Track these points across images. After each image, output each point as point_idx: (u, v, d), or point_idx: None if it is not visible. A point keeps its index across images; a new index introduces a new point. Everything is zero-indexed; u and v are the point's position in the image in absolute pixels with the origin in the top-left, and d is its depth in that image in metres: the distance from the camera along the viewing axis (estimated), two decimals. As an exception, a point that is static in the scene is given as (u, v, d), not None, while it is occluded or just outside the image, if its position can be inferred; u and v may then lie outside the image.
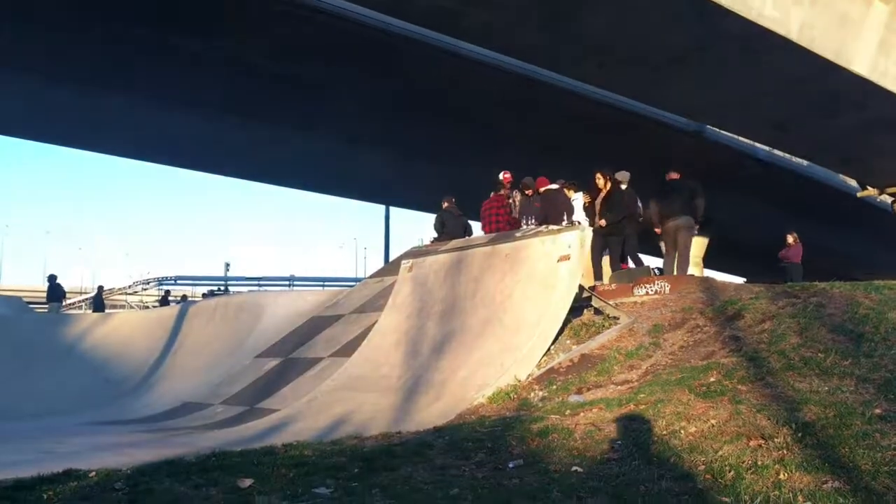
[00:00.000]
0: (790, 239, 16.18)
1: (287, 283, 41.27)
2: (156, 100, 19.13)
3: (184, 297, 29.79)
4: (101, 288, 27.86)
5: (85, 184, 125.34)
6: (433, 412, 6.94)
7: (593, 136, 20.59)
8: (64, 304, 25.37)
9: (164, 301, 28.69)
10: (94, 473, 4.77)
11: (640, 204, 12.12)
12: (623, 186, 12.05)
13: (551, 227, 9.35)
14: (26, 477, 4.62)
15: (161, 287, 36.83)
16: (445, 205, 13.22)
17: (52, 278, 22.82)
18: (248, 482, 4.50)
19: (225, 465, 5.00)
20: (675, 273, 10.42)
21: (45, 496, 4.26)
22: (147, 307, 31.24)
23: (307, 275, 47.07)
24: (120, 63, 17.20)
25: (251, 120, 20.35)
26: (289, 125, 20.61)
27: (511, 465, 4.81)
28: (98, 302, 25.92)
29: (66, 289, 24.38)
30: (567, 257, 8.06)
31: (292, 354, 10.46)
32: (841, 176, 25.41)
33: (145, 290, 42.33)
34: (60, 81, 18.09)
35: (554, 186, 11.42)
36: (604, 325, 8.43)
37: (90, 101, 19.24)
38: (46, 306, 23.20)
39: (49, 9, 14.94)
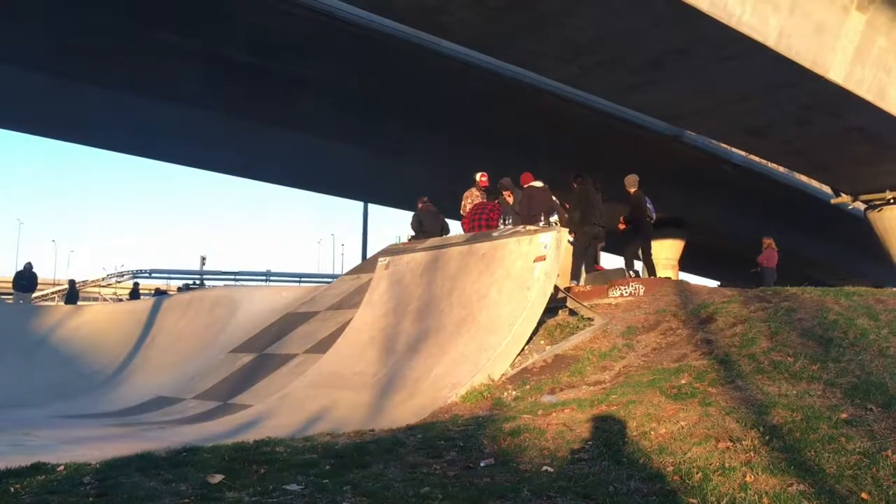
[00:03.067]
0: (765, 243, 16.36)
1: (263, 278, 41.07)
2: (133, 92, 18.94)
3: (158, 291, 29.49)
4: (72, 281, 27.51)
5: (60, 174, 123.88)
6: (407, 410, 6.95)
7: (572, 137, 20.69)
8: (33, 295, 24.49)
9: (133, 294, 28.40)
10: (62, 467, 4.72)
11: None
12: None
13: (528, 227, 9.38)
14: (-6, 470, 4.57)
15: (135, 279, 36.48)
16: (421, 204, 13.24)
17: (27, 266, 21.94)
18: (218, 478, 4.48)
19: (195, 460, 4.97)
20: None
21: (11, 489, 4.21)
22: (121, 300, 30.96)
23: (284, 270, 46.76)
24: (98, 54, 17.00)
25: (228, 114, 20.21)
26: (266, 120, 20.48)
27: (482, 464, 4.83)
28: (71, 295, 25.59)
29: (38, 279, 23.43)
30: (543, 258, 8.09)
31: (267, 350, 10.42)
32: (815, 182, 25.73)
33: (119, 282, 41.95)
34: (38, 70, 17.86)
35: (538, 184, 11.45)
36: (578, 326, 8.48)
37: (68, 92, 19.00)
38: (12, 296, 22.61)
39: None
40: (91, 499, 4.02)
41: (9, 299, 23.45)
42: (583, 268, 11.24)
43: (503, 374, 7.41)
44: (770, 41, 13.71)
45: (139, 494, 4.12)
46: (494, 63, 17.87)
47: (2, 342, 13.56)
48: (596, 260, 11.76)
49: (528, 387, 7.12)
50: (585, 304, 9.02)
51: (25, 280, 21.81)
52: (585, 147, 20.77)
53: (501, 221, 11.15)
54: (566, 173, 12.03)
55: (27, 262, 22.14)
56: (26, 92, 19.02)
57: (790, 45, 14.01)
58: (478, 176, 12.87)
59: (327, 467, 4.79)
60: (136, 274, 40.55)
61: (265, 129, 21.21)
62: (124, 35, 16.30)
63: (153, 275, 41.37)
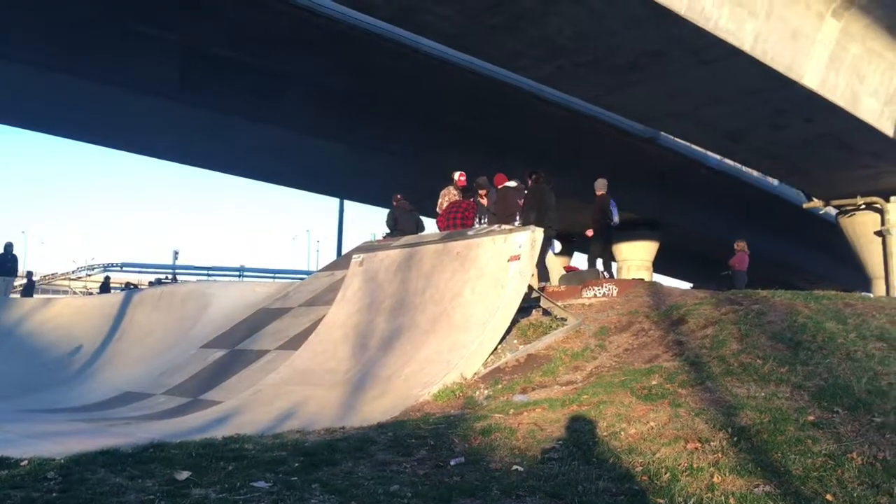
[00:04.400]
0: (737, 246, 16.50)
1: (237, 273, 40.75)
2: (108, 84, 18.69)
3: (129, 285, 29.14)
4: (30, 273, 26.85)
5: (29, 164, 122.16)
6: (378, 408, 6.92)
7: (549, 137, 20.76)
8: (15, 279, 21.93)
9: (104, 288, 27.95)
10: (26, 462, 4.65)
11: (613, 210, 12.27)
12: (600, 193, 12.24)
13: (503, 226, 9.39)
14: (-47, 464, 4.49)
15: (107, 272, 36.06)
16: (396, 202, 13.21)
17: (8, 247, 19.73)
18: (185, 474, 4.43)
19: (162, 456, 4.92)
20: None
21: (-27, 483, 4.14)
22: (91, 293, 30.54)
23: (258, 266, 46.49)
24: (74, 45, 16.76)
25: (204, 106, 20.00)
26: (243, 114, 20.31)
27: (453, 463, 4.82)
28: (28, 289, 24.91)
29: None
30: (517, 257, 8.11)
31: (239, 346, 10.34)
32: (788, 187, 26.03)
33: (90, 275, 41.39)
34: (11, 61, 17.55)
35: (511, 184, 11.46)
36: (551, 326, 8.51)
37: (43, 82, 18.71)
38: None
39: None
40: (55, 494, 3.96)
41: (55, 282, 22.29)
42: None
43: (476, 373, 7.41)
44: (746, 46, 13.83)
45: (104, 490, 4.07)
46: (472, 61, 17.88)
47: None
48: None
49: (500, 386, 7.13)
50: (559, 304, 9.05)
51: (10, 262, 19.83)
52: (561, 147, 20.86)
53: (477, 220, 11.16)
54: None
55: (7, 242, 19.91)
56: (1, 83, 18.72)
57: (766, 50, 14.14)
58: (456, 175, 12.87)
59: (296, 465, 4.76)
60: (107, 267, 40.05)
61: (241, 123, 21.01)
62: (102, 27, 16.08)
63: (125, 268, 40.87)
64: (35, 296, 23.39)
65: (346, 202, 31.94)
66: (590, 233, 12.41)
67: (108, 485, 4.21)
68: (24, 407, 9.81)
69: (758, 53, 14.05)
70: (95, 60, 17.33)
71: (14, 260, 20.07)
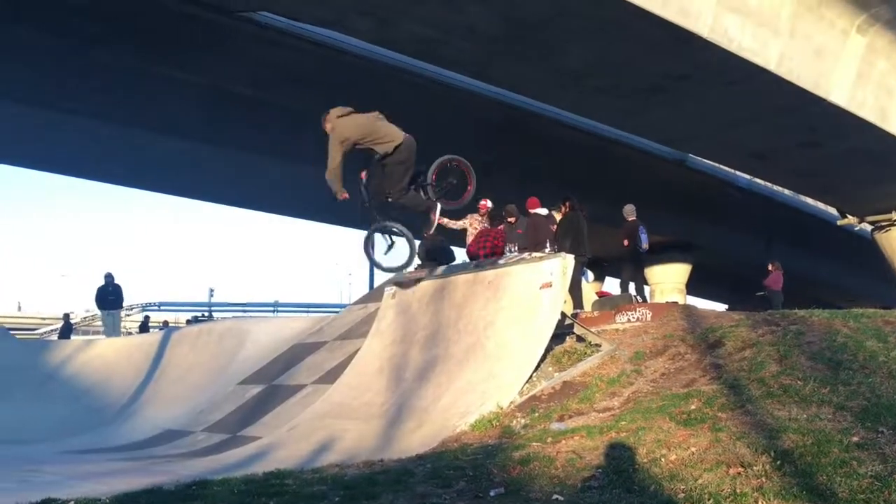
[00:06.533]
0: (771, 266, 16.35)
1: (272, 309, 41.06)
2: (134, 126, 19.10)
3: (166, 323, 29.51)
4: (67, 315, 27.20)
5: (67, 207, 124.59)
6: (415, 439, 6.93)
7: (575, 162, 20.77)
8: (122, 312, 20.89)
9: (143, 327, 28.29)
10: (72, 503, 4.74)
11: (642, 236, 12.29)
12: (630, 219, 12.28)
13: (534, 254, 9.41)
14: (2, 507, 4.59)
15: (145, 312, 36.56)
16: (427, 234, 13.27)
17: (108, 278, 18.45)
18: (227, 512, 4.49)
19: (205, 494, 4.99)
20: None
21: (22, 526, 4.23)
22: (130, 333, 30.96)
23: (292, 301, 46.81)
24: (97, 88, 17.17)
25: (230, 146, 20.37)
26: (268, 151, 20.64)
27: (492, 493, 4.82)
28: (66, 330, 25.14)
29: (42, 315, 20.96)
30: (549, 284, 8.11)
31: (275, 381, 10.42)
32: (821, 204, 25.73)
33: (128, 315, 41.99)
34: (33, 105, 18.03)
35: (542, 211, 11.50)
36: (585, 353, 8.47)
37: (72, 126, 19.21)
38: (100, 314, 19.71)
39: (26, 31, 14.92)
40: (102, 534, 4.03)
41: (96, 322, 21.94)
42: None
43: (512, 402, 7.39)
44: (771, 65, 13.81)
45: (149, 529, 4.13)
46: (497, 91, 18.01)
47: (10, 378, 13.54)
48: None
49: (536, 414, 7.10)
50: (593, 330, 9.01)
51: (112, 295, 18.47)
52: (588, 172, 20.84)
53: (507, 249, 11.20)
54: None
55: (107, 273, 18.54)
56: (23, 128, 19.20)
57: (791, 69, 14.11)
58: (480, 202, 12.95)
59: (336, 499, 4.79)
60: (145, 307, 40.63)
61: (267, 161, 21.37)
62: (124, 70, 16.45)
63: (162, 307, 41.44)
64: (73, 337, 23.71)
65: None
66: (626, 243, 12.41)
67: (152, 523, 4.28)
68: (68, 448, 9.95)
69: (783, 72, 14.02)
70: (124, 104, 17.77)
71: (117, 292, 18.65)
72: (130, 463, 8.11)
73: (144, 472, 6.93)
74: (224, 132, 19.36)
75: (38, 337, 31.92)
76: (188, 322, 29.40)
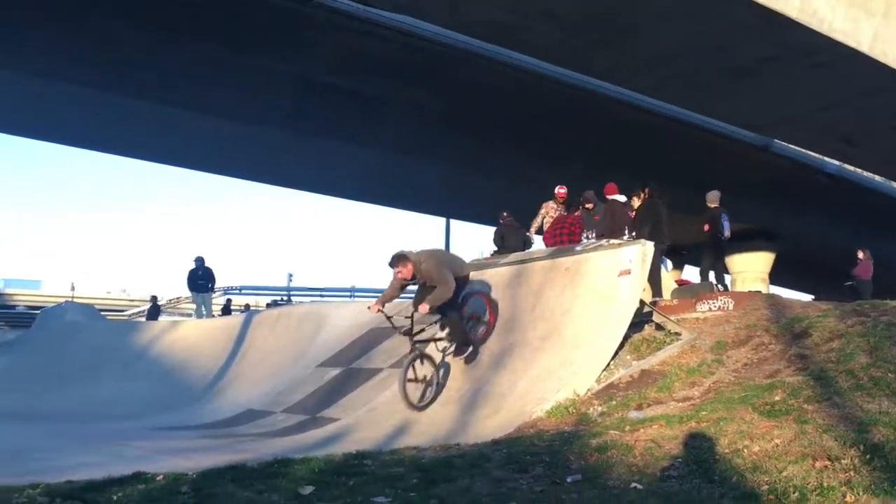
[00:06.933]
0: (860, 255, 15.71)
1: (348, 293, 41.62)
2: (216, 114, 19.61)
3: (247, 307, 30.27)
4: (154, 297, 28.21)
5: (147, 193, 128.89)
6: (491, 425, 6.95)
7: (654, 148, 20.36)
8: (213, 294, 20.57)
9: (225, 310, 29.08)
10: (161, 477, 4.92)
11: (725, 224, 11.94)
12: (713, 206, 11.97)
13: (612, 241, 9.28)
14: (97, 478, 4.80)
15: (227, 295, 37.54)
16: (502, 219, 13.25)
17: (199, 261, 18.33)
18: (308, 489, 4.59)
19: (286, 472, 5.11)
20: None
21: (114, 497, 4.41)
22: (214, 316, 31.85)
23: (368, 286, 47.28)
24: (183, 78, 17.69)
25: (308, 132, 20.71)
26: (346, 138, 20.91)
27: (569, 480, 4.80)
28: (154, 312, 26.08)
29: (130, 297, 21.04)
30: (628, 272, 7.99)
31: (353, 364, 10.58)
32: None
33: (212, 298, 43.08)
34: (141, 99, 18.70)
35: (621, 198, 11.33)
36: (665, 341, 8.33)
37: (172, 119, 19.89)
38: (190, 296, 19.38)
39: (113, 22, 15.45)
40: (190, 507, 4.18)
41: (187, 306, 21.90)
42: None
43: (589, 390, 7.33)
44: (863, 46, 13.24)
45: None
46: (570, 75, 17.79)
47: (102, 357, 14.20)
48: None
49: (614, 402, 7.03)
50: (672, 318, 8.85)
51: (202, 279, 18.33)
52: (668, 158, 20.40)
53: (584, 236, 11.08)
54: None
55: (198, 256, 18.49)
56: (130, 119, 19.94)
57: (885, 51, 13.50)
58: (556, 189, 12.83)
59: (414, 481, 4.84)
60: (227, 290, 41.77)
61: (345, 147, 21.66)
62: (207, 60, 16.90)
63: (243, 291, 42.46)
64: (160, 318, 24.58)
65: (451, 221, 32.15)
66: (707, 228, 12.07)
67: (236, 499, 4.41)
68: (155, 425, 10.33)
69: (876, 53, 13.43)
70: (201, 91, 18.24)
71: (207, 275, 18.46)
72: (214, 440, 8.38)
73: (228, 450, 7.15)
74: (300, 118, 19.69)
75: (126, 318, 33.19)
76: (268, 306, 30.09)
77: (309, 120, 19.74)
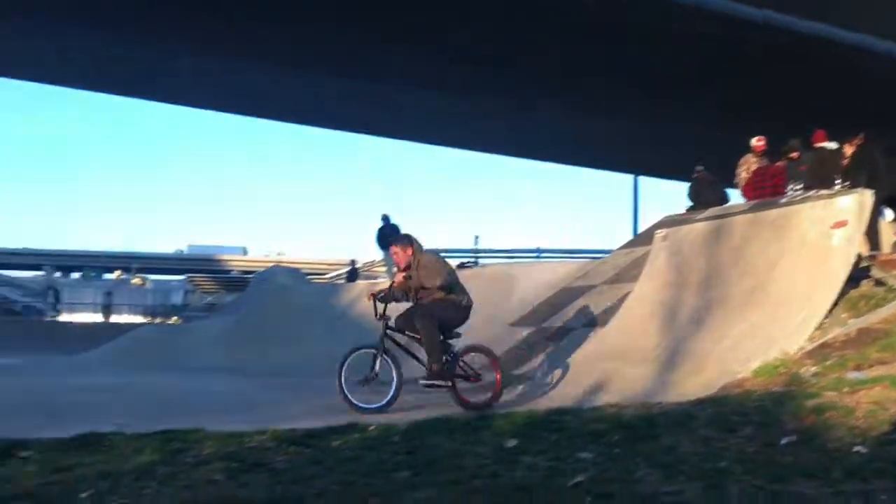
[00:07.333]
0: None
1: (535, 255, 41.69)
2: (393, 80, 20.23)
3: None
4: (353, 261, 29.72)
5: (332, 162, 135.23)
6: (693, 384, 6.73)
7: (869, 92, 18.51)
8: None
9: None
10: (373, 427, 5.21)
11: None
12: None
13: (821, 191, 8.64)
14: (317, 427, 5.16)
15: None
16: (697, 173, 12.70)
17: (385, 219, 18.36)
18: (513, 443, 4.68)
19: (489, 426, 5.25)
20: None
21: (333, 444, 4.73)
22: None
23: (554, 247, 46.93)
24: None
25: (500, 94, 20.84)
26: (533, 97, 20.83)
27: (784, 441, 4.56)
28: (352, 275, 27.55)
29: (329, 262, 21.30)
30: (843, 223, 7.41)
31: (545, 324, 10.63)
32: None
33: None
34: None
35: (831, 145, 10.49)
36: (886, 298, 7.67)
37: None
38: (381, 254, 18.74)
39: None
40: (402, 456, 4.38)
41: (375, 268, 22.20)
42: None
43: (800, 349, 6.91)
44: None
45: (442, 454, 4.43)
46: (770, 15, 16.48)
47: (309, 317, 15.19)
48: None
49: (829, 362, 6.57)
50: (894, 272, 8.12)
51: (390, 235, 17.30)
52: (884, 103, 18.50)
53: (789, 187, 10.40)
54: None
55: (384, 214, 18.44)
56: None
57: None
58: (753, 141, 12.10)
59: (616, 437, 4.80)
60: (413, 254, 43.06)
61: (532, 105, 21.60)
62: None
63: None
64: (358, 280, 25.91)
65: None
66: None
67: (445, 449, 4.58)
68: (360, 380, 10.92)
69: None
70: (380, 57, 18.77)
71: (395, 231, 17.25)
72: (416, 396, 8.72)
73: (432, 404, 7.43)
74: (500, 80, 19.83)
75: (327, 281, 35.21)
76: (457, 268, 30.77)
77: (506, 80, 19.85)
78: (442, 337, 7.38)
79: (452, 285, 7.50)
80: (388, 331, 7.33)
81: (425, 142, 29.76)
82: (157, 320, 31.96)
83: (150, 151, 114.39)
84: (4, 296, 38.93)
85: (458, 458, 4.29)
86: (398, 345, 7.39)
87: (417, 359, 7.42)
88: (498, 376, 7.65)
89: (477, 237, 46.81)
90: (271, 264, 32.08)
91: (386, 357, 7.16)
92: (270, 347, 14.06)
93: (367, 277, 27.38)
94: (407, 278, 7.48)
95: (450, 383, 7.28)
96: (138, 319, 32.02)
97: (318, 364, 12.77)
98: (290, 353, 13.67)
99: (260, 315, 15.95)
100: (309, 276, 27.10)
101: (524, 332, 10.86)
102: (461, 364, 7.51)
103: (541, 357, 9.49)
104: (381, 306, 7.48)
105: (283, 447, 4.48)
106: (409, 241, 7.52)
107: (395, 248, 7.57)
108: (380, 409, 6.86)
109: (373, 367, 7.13)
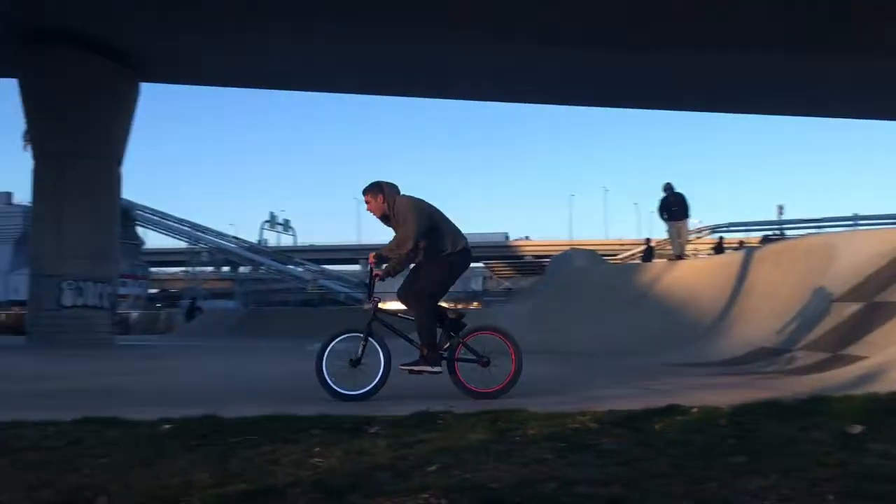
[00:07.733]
0: None
1: (850, 223, 37.83)
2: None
3: (741, 244, 29.48)
4: (648, 240, 29.03)
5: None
6: None
7: None
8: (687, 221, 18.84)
9: (718, 249, 28.73)
10: (696, 409, 5.01)
11: None
12: None
13: None
14: (636, 409, 5.09)
15: (715, 235, 37.09)
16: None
17: (668, 188, 17.65)
18: (858, 429, 4.26)
19: (825, 409, 4.82)
20: None
21: (656, 426, 4.62)
22: (699, 256, 31.80)
23: (873, 213, 42.02)
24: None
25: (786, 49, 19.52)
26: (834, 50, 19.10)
27: None
28: (647, 253, 27.04)
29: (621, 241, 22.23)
30: None
31: (877, 298, 9.54)
32: None
33: (698, 238, 42.99)
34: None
35: None
36: None
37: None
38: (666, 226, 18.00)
39: None
40: (732, 440, 4.16)
41: (667, 248, 22.35)
42: None
43: None
44: None
45: (777, 440, 4.13)
46: None
47: (610, 298, 15.17)
48: None
49: None
50: None
51: (675, 205, 17.53)
52: None
53: None
54: None
55: (666, 183, 17.65)
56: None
57: None
58: None
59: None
60: (715, 229, 41.19)
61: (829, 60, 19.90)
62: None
63: (731, 228, 41.42)
64: (654, 260, 25.39)
65: None
66: None
67: (778, 434, 4.28)
68: (666, 361, 10.68)
69: None
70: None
71: (679, 201, 17.57)
72: (731, 378, 8.31)
73: (749, 387, 7.04)
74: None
75: (620, 261, 34.90)
76: (761, 242, 28.95)
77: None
78: (445, 320, 6.68)
79: (432, 230, 6.53)
80: (377, 314, 6.64)
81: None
82: (460, 306, 33.93)
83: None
84: (329, 287, 43.78)
85: (795, 445, 3.98)
86: (389, 327, 6.69)
87: (411, 341, 6.74)
88: (513, 360, 6.58)
89: (781, 207, 43.60)
90: (566, 248, 32.55)
91: (373, 341, 6.49)
92: (573, 326, 14.28)
93: (662, 256, 26.74)
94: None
95: (438, 368, 6.49)
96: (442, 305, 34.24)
97: (623, 343, 12.78)
98: (593, 332, 13.78)
99: (560, 297, 16.25)
100: (606, 257, 27.10)
101: (851, 307, 9.83)
102: (464, 346, 6.62)
103: (874, 335, 8.52)
104: (377, 285, 6.73)
105: (607, 429, 4.47)
106: (378, 187, 6.58)
107: (366, 198, 6.60)
108: (363, 396, 6.28)
109: (359, 352, 6.44)
